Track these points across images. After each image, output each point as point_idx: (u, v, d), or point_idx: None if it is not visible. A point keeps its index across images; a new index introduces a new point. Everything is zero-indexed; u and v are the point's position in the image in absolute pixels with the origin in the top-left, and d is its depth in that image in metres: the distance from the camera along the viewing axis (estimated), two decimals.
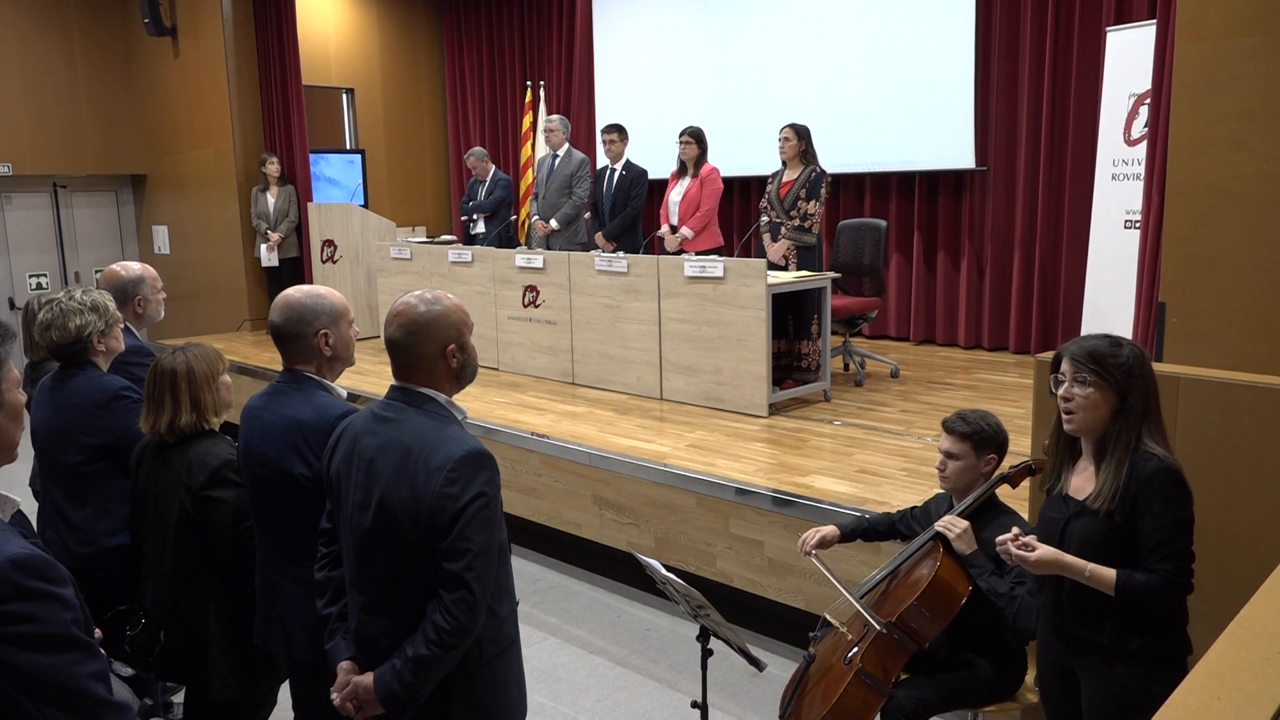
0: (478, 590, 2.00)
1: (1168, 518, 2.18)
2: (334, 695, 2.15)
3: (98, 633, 2.58)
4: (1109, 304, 5.72)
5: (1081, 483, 2.33)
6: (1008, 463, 2.87)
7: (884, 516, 3.20)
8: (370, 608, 2.13)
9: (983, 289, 7.29)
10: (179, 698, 3.44)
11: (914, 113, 7.32)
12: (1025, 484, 2.95)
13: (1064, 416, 2.31)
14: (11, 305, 9.30)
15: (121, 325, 3.22)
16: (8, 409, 1.52)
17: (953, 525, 2.71)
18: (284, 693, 2.84)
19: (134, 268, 3.53)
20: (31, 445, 3.18)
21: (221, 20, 8.93)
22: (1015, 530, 2.37)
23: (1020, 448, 4.18)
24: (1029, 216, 6.96)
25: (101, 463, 3.03)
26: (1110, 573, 2.20)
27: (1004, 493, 2.86)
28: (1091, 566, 2.23)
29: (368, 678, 2.09)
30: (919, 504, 3.13)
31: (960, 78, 7.07)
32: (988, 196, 7.19)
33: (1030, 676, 2.84)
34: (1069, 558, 2.25)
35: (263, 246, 8.89)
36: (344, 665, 2.16)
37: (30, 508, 3.07)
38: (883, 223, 6.35)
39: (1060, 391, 2.30)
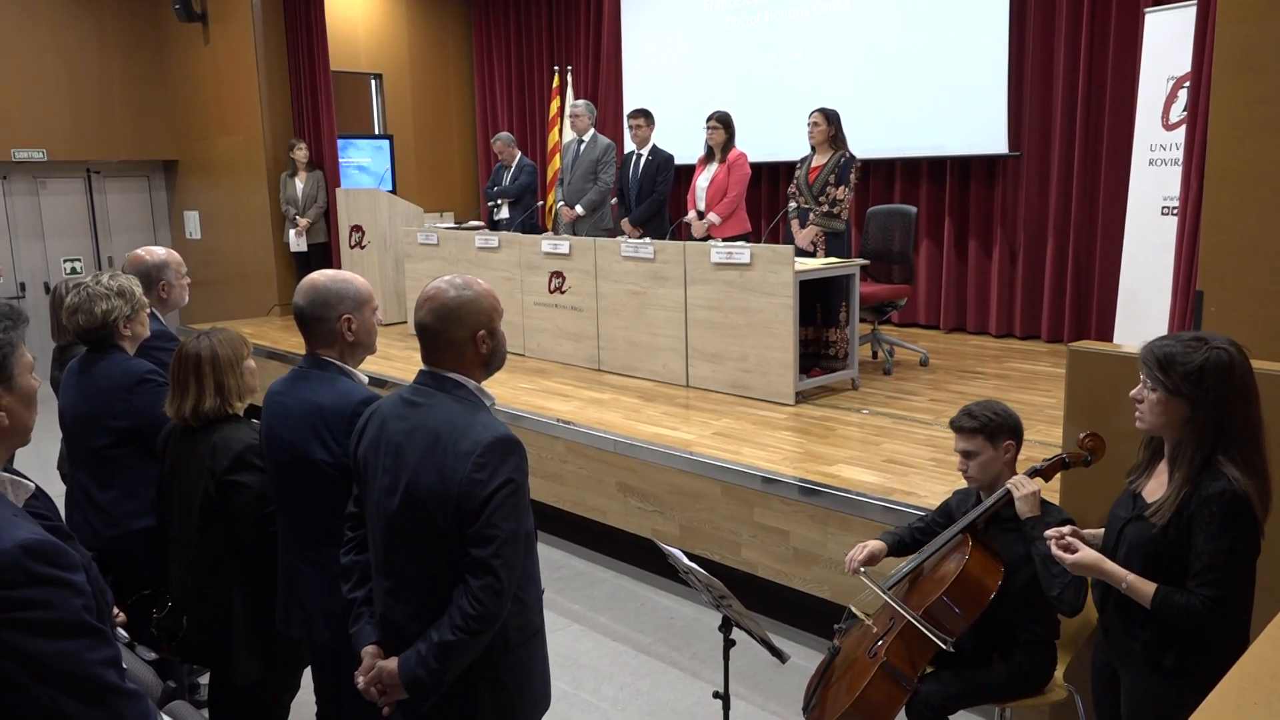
0: (504, 577, 1.98)
1: (1220, 544, 2.06)
2: (358, 679, 2.14)
3: (121, 616, 2.60)
4: (1144, 292, 5.61)
5: (1155, 486, 2.24)
6: (1039, 454, 2.81)
7: (909, 528, 3.08)
8: (396, 592, 2.12)
9: (1015, 276, 7.18)
10: (205, 679, 3.47)
11: (946, 97, 7.21)
12: (1057, 477, 2.89)
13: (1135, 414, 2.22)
14: (47, 289, 9.42)
15: (147, 310, 3.23)
16: (20, 393, 1.51)
17: (1022, 484, 2.63)
18: (307, 677, 2.86)
19: (158, 252, 3.54)
20: (60, 428, 3.21)
21: (251, 6, 8.95)
22: (1069, 528, 2.32)
23: (1052, 438, 4.12)
24: (1063, 202, 6.84)
25: (127, 446, 3.04)
26: (1149, 587, 2.13)
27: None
28: (1131, 578, 2.16)
29: (392, 662, 2.08)
30: (945, 500, 3.07)
31: (993, 61, 6.94)
32: (1021, 182, 7.07)
33: (1059, 672, 2.80)
34: (1109, 564, 2.19)
35: (291, 232, 8.94)
36: (369, 649, 2.15)
37: (59, 490, 3.10)
38: (913, 209, 6.27)
39: (1132, 392, 2.22)
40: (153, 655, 2.65)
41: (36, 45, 9.07)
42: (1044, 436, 4.37)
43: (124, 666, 1.68)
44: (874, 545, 2.96)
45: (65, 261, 9.76)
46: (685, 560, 2.81)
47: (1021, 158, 7.03)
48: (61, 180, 9.73)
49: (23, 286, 9.47)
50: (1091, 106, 6.65)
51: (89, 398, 3.06)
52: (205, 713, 2.85)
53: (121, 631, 2.41)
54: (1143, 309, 5.53)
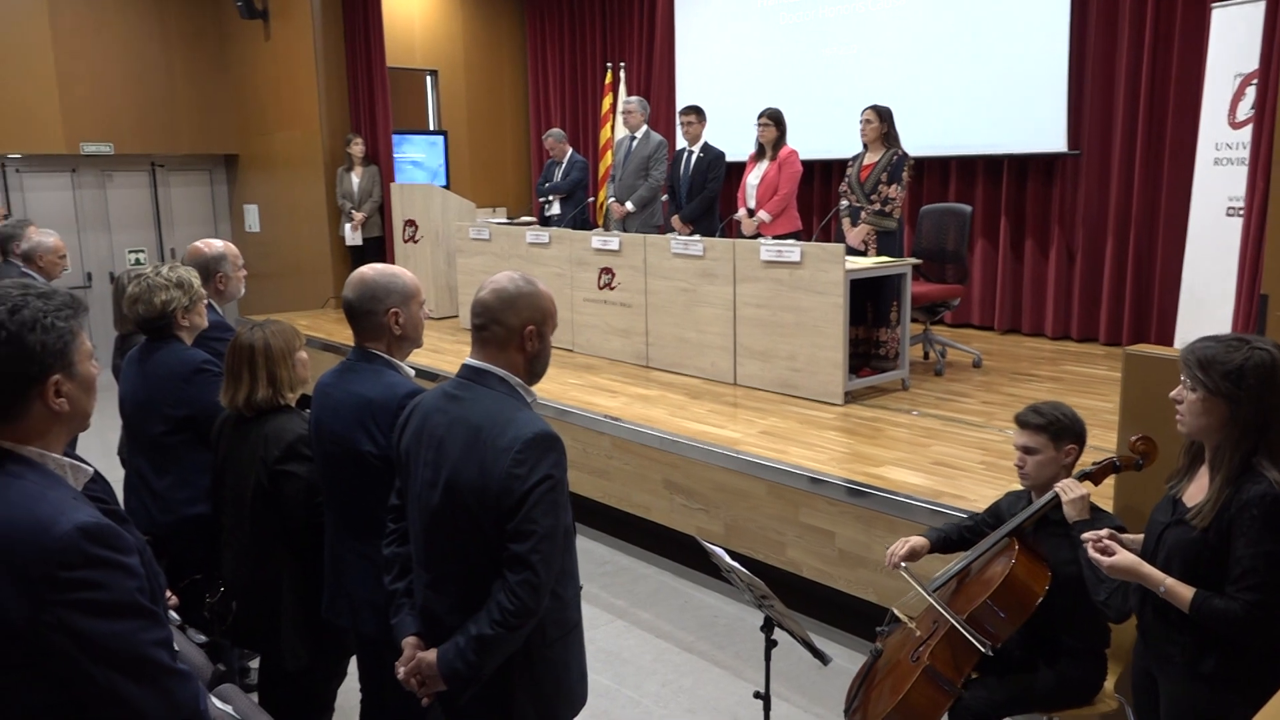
0: (542, 572, 2.00)
1: (1262, 546, 2.03)
2: (398, 669, 2.17)
3: (173, 599, 2.66)
4: (1207, 294, 5.46)
5: (1196, 491, 2.21)
6: (1089, 458, 2.75)
7: (955, 526, 3.05)
8: (436, 585, 2.14)
9: (1072, 277, 7.04)
10: (255, 664, 3.54)
11: (1003, 94, 7.08)
12: (1110, 481, 2.83)
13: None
14: (112, 279, 9.67)
15: (204, 301, 3.31)
16: (80, 380, 1.55)
17: (1070, 487, 2.59)
18: (353, 665, 2.90)
19: (216, 245, 3.61)
20: (120, 415, 3.30)
21: (311, 3, 9.10)
22: (1106, 530, 2.28)
23: (1107, 443, 4.03)
24: (1124, 202, 6.68)
25: (183, 434, 3.12)
26: (1188, 591, 2.09)
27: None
28: (1169, 582, 2.12)
29: (431, 654, 2.10)
30: (996, 502, 3.03)
31: (1053, 57, 6.80)
32: (1080, 181, 6.92)
33: (1110, 682, 2.74)
34: (1148, 568, 2.15)
35: (347, 226, 9.07)
36: (409, 640, 2.18)
37: (119, 475, 3.19)
38: (967, 208, 6.17)
39: (1172, 393, 2.18)
40: (203, 638, 2.72)
41: (106, 43, 9.32)
42: (1099, 441, 4.26)
43: (175, 648, 1.72)
44: (916, 541, 2.93)
45: (130, 253, 10.02)
46: (728, 559, 2.80)
47: (1081, 156, 6.88)
48: (127, 173, 9.98)
49: (89, 276, 9.74)
50: (1155, 103, 6.48)
51: (147, 386, 3.14)
52: (254, 696, 2.91)
53: (173, 614, 2.46)
54: (1205, 312, 5.38)
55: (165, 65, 9.73)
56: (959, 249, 6.05)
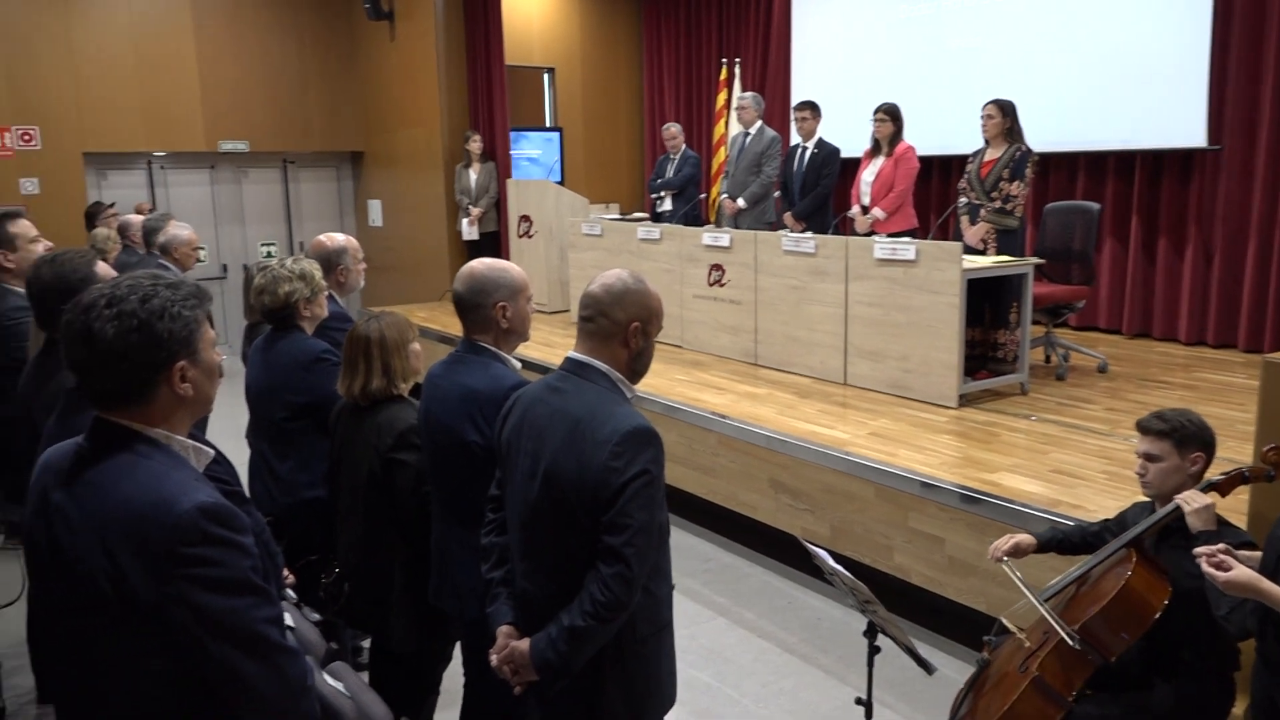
0: (635, 566, 2.00)
1: None
2: (492, 657, 2.21)
3: (290, 578, 2.77)
4: None
5: None
6: (1219, 469, 2.60)
7: (1079, 528, 2.96)
8: (532, 574, 2.17)
9: (1210, 280, 6.65)
10: (367, 643, 3.66)
11: (1136, 85, 6.74)
12: (1243, 494, 2.67)
13: None
14: (245, 270, 10.16)
15: (326, 293, 3.44)
16: (204, 366, 1.63)
17: (1194, 498, 2.46)
18: (457, 650, 2.97)
19: (338, 238, 3.75)
20: (246, 401, 3.46)
21: (434, 4, 9.35)
22: (1222, 544, 2.15)
23: (1242, 455, 3.80)
24: (1269, 200, 6.27)
25: (303, 420, 3.24)
26: None
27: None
28: None
29: (524, 643, 2.13)
30: (1123, 511, 2.89)
31: (1193, 47, 6.43)
32: (1220, 178, 6.53)
33: (1240, 708, 2.58)
34: (1267, 584, 2.02)
35: (464, 221, 9.29)
36: (503, 629, 2.21)
37: (244, 458, 3.35)
38: (1095, 206, 5.91)
39: None
40: (318, 617, 2.82)
41: (244, 47, 9.79)
42: (1233, 453, 4.01)
43: (290, 626, 1.80)
44: (1022, 538, 2.86)
45: (262, 245, 10.51)
46: (831, 561, 2.76)
47: (1222, 151, 6.49)
48: (261, 170, 10.47)
49: (225, 267, 10.25)
50: None
51: (270, 373, 3.29)
52: (365, 676, 3.01)
53: (290, 592, 2.57)
54: None
55: (298, 67, 10.16)
56: (1085, 248, 5.80)
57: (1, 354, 3.60)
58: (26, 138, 8.84)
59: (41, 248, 3.72)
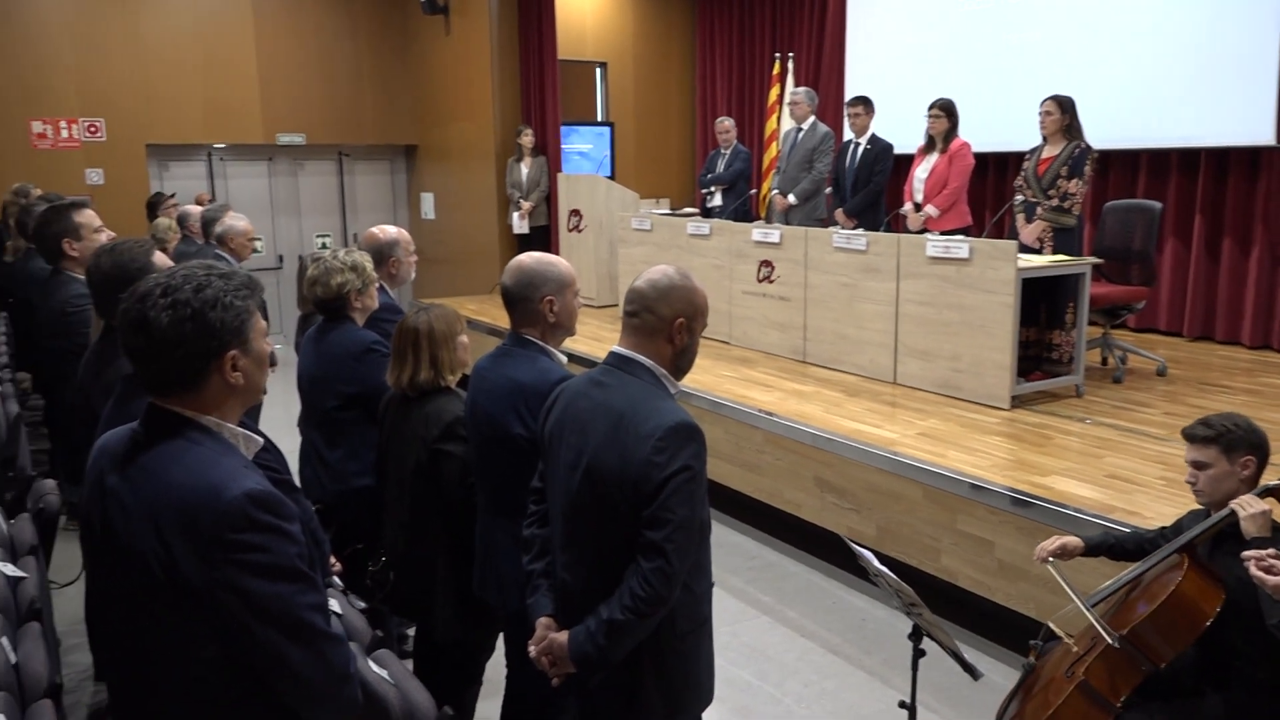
0: (675, 561, 2.00)
1: None
2: (530, 648, 2.22)
3: (337, 565, 2.81)
4: None
5: None
6: (1270, 475, 2.53)
7: (1135, 535, 2.90)
8: (572, 567, 2.18)
9: (1276, 281, 6.46)
10: (412, 632, 3.70)
11: (1200, 81, 6.56)
12: None
13: None
14: (300, 261, 10.33)
15: (377, 285, 3.47)
16: (254, 355, 1.66)
17: (1249, 503, 2.40)
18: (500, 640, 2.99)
19: (390, 231, 3.79)
20: (297, 389, 3.52)
21: None
22: (1270, 550, 2.09)
23: None
24: None
25: (353, 410, 3.29)
26: None
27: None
28: None
29: (563, 635, 2.14)
30: (1179, 518, 2.82)
31: (1260, 40, 6.23)
32: None
33: None
34: None
35: (515, 214, 9.34)
36: (543, 621, 2.22)
37: (295, 445, 3.40)
38: (1157, 204, 5.77)
39: None
40: (364, 604, 2.86)
41: (301, 41, 9.95)
42: None
43: (335, 612, 1.82)
44: (1069, 540, 2.82)
45: (317, 237, 10.66)
46: (876, 563, 2.73)
47: None
48: (317, 162, 10.63)
49: (280, 258, 10.43)
50: None
51: (322, 363, 3.33)
52: (409, 664, 3.04)
53: (336, 579, 2.60)
54: None
55: (354, 61, 10.29)
56: (1146, 248, 5.66)
57: (64, 340, 3.70)
58: (93, 129, 9.08)
59: (104, 237, 3.81)
